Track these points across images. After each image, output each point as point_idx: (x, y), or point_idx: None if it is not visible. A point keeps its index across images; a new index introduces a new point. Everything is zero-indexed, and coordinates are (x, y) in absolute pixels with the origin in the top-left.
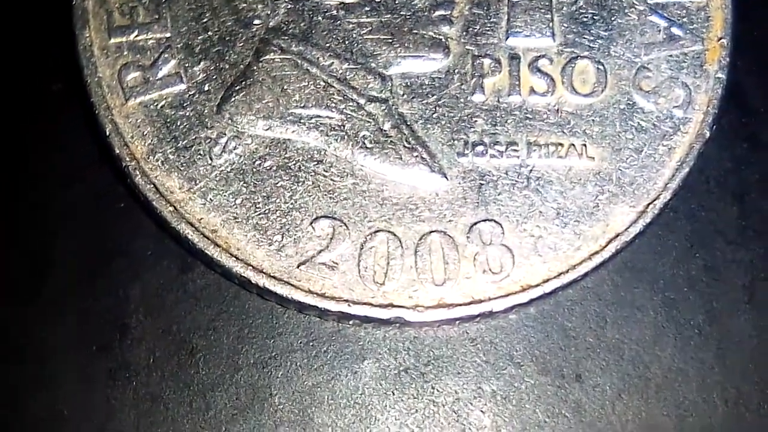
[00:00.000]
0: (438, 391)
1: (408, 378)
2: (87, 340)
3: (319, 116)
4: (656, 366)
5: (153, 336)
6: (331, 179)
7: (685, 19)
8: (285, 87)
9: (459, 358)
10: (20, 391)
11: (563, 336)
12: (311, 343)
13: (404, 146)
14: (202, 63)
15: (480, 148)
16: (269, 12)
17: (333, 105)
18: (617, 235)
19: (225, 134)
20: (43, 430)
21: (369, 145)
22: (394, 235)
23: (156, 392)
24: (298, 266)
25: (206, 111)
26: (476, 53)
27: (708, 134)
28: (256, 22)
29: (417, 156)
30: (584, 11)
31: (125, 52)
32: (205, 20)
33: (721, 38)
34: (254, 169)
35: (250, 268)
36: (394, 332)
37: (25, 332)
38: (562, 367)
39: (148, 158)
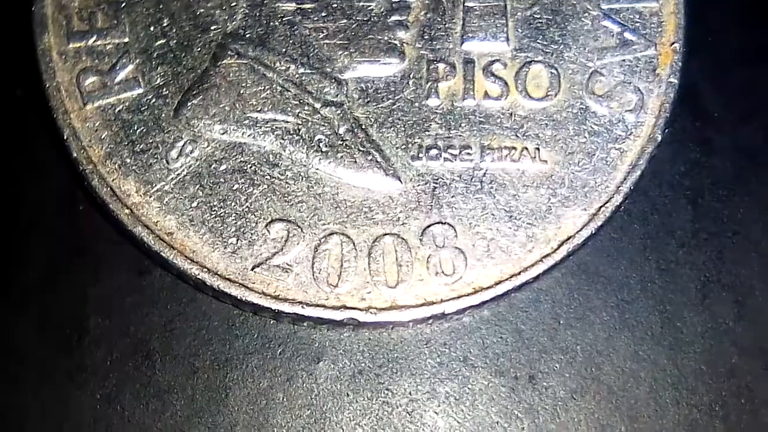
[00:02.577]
0: (392, 392)
1: (363, 379)
2: (46, 341)
3: (275, 120)
4: (609, 367)
5: (111, 337)
6: (286, 182)
7: (638, 24)
8: (241, 91)
9: (413, 359)
10: None
11: (517, 338)
12: (267, 345)
13: (359, 150)
14: (159, 68)
15: (434, 152)
16: (226, 17)
17: (289, 109)
18: (569, 238)
19: (182, 138)
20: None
21: (324, 149)
22: (348, 237)
23: (113, 393)
24: (252, 269)
25: (163, 115)
26: (431, 58)
27: (660, 138)
28: (214, 27)
29: (371, 159)
30: (538, 16)
31: (83, 57)
32: (163, 25)
33: (673, 43)
34: (210, 173)
35: (205, 270)
36: (348, 334)
37: None
38: (516, 368)
39: (105, 162)
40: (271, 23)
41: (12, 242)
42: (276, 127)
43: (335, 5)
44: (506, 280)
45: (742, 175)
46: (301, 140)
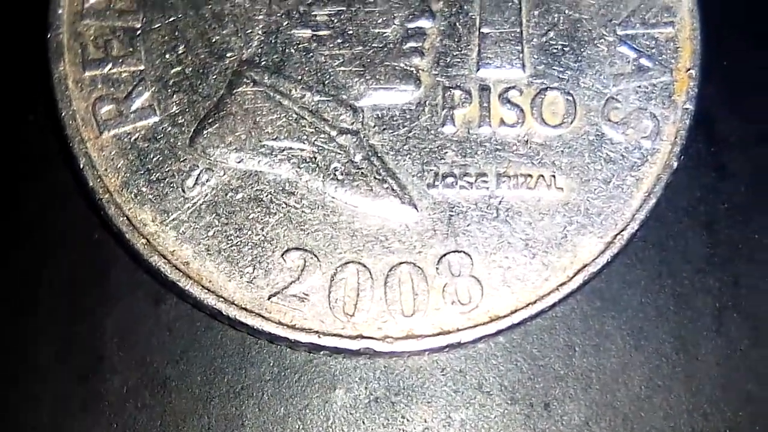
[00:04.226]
0: (408, 420)
1: (378, 407)
2: (62, 370)
3: (290, 148)
4: (624, 394)
5: (127, 366)
6: (302, 211)
7: (654, 50)
8: (257, 119)
9: (429, 387)
10: None
11: (532, 365)
12: (282, 373)
13: (375, 178)
14: (175, 95)
15: (450, 180)
16: (242, 44)
17: (304, 137)
18: (585, 266)
19: (197, 167)
20: None
21: (340, 177)
22: (364, 266)
23: (129, 422)
24: (268, 298)
25: (179, 143)
26: (447, 85)
27: (676, 165)
28: (229, 54)
29: (387, 188)
30: (554, 42)
31: (99, 85)
32: (178, 53)
33: (689, 69)
34: (226, 202)
35: (222, 299)
36: (364, 362)
37: (0, 360)
38: (531, 396)
39: (122, 191)
40: (287, 50)
41: (27, 271)
42: (292, 155)
43: (350, 32)
44: (522, 308)
45: (758, 200)
46: (317, 168)
